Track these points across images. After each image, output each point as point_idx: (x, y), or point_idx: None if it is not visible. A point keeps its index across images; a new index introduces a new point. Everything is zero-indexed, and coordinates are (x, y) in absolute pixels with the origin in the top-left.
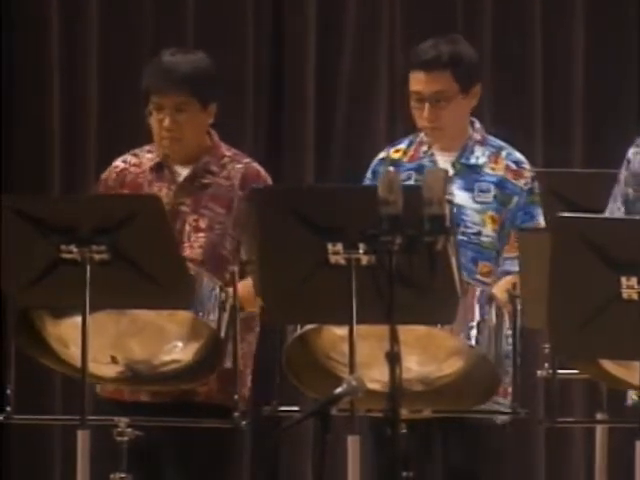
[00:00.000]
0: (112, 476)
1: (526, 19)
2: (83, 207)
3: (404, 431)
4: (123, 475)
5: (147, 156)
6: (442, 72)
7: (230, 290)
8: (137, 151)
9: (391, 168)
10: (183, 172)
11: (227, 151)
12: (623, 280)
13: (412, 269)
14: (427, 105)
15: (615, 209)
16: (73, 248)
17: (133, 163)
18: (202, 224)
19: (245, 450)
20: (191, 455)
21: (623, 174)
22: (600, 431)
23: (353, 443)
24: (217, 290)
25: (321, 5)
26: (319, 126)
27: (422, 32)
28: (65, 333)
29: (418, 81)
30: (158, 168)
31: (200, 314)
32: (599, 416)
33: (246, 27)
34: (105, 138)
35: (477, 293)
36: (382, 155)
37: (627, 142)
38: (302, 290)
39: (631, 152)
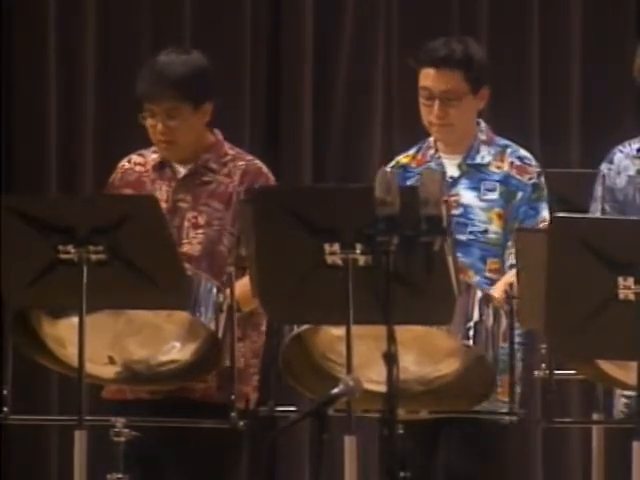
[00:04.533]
0: (109, 476)
1: (523, 20)
2: (80, 207)
3: (401, 431)
4: (120, 476)
5: (152, 156)
6: (453, 71)
7: (227, 291)
8: (143, 151)
9: (387, 168)
10: (183, 170)
11: (230, 149)
12: (620, 280)
13: (409, 269)
14: (437, 102)
15: None
16: (70, 248)
17: (138, 162)
18: (201, 220)
19: (242, 450)
20: (190, 455)
21: (599, 191)
22: (597, 431)
23: (350, 443)
24: (214, 291)
25: (318, 6)
26: (316, 126)
27: (419, 34)
28: (62, 333)
29: (428, 77)
30: (160, 167)
31: (197, 315)
32: (596, 416)
33: (243, 27)
34: (102, 138)
35: (474, 293)
36: (392, 164)
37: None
38: (299, 290)
39: (605, 167)
